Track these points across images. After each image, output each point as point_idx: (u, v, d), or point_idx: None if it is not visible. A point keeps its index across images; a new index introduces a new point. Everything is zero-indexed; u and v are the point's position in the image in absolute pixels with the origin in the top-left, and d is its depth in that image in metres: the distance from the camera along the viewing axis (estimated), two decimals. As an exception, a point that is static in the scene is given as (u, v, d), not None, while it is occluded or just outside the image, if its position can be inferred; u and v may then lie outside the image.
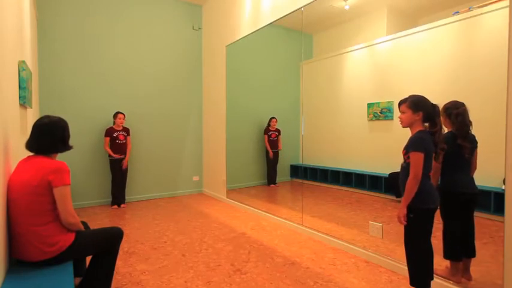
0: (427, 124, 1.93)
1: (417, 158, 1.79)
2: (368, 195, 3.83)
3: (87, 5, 4.51)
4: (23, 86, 2.16)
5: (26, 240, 1.60)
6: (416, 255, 1.90)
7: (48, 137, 1.74)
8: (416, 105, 1.87)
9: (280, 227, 3.66)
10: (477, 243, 2.14)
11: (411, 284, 1.91)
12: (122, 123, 4.49)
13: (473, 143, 2.07)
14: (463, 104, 2.07)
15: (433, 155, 1.89)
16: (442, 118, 2.07)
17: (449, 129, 2.11)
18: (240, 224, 3.75)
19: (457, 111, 2.04)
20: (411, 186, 1.82)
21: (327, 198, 4.32)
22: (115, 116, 4.47)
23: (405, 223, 1.88)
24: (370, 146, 3.76)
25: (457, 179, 2.11)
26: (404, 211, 1.87)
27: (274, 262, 2.66)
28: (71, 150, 1.88)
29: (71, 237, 1.71)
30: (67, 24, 4.38)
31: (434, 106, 1.88)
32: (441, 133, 1.89)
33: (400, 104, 1.99)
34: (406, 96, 1.98)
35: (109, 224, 3.74)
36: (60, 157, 1.92)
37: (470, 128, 2.05)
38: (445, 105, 2.12)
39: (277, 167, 5.00)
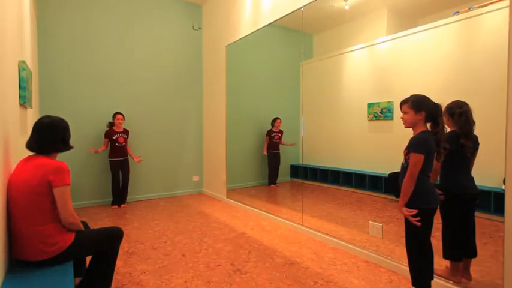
0: (429, 124, 1.92)
1: (417, 159, 1.79)
2: (368, 195, 3.83)
3: (87, 5, 4.51)
4: (23, 86, 2.16)
5: (26, 239, 1.60)
6: (419, 256, 1.90)
7: (49, 136, 1.75)
8: (419, 105, 1.86)
9: (280, 227, 3.66)
10: (477, 243, 2.14)
11: (413, 284, 1.91)
12: (120, 123, 4.48)
13: (475, 143, 2.06)
14: (466, 104, 2.06)
15: (435, 154, 1.88)
16: (444, 118, 2.07)
17: (452, 129, 2.11)
18: (240, 224, 3.75)
19: (460, 111, 2.03)
20: (407, 186, 1.82)
21: (327, 198, 4.32)
22: (114, 116, 4.46)
23: (411, 217, 1.86)
24: (370, 146, 3.76)
25: (458, 179, 2.11)
26: (403, 210, 1.87)
27: (274, 262, 2.66)
28: (72, 150, 1.88)
29: (70, 237, 1.71)
30: (67, 24, 4.38)
31: (437, 105, 1.87)
32: (443, 132, 1.88)
33: (401, 104, 1.97)
34: (406, 96, 1.97)
35: (109, 224, 3.74)
36: (60, 157, 1.92)
37: (474, 127, 2.05)
38: (448, 105, 2.11)
39: (279, 168, 5.01)
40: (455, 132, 2.06)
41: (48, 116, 1.81)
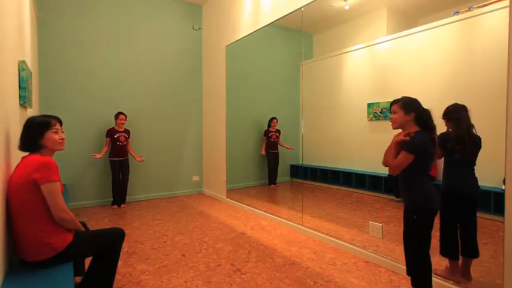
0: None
1: (405, 158, 1.78)
2: (368, 195, 3.83)
3: (87, 4, 4.51)
4: (23, 86, 2.16)
5: (24, 239, 1.60)
6: (418, 256, 1.89)
7: (22, 135, 1.73)
8: (409, 106, 1.86)
9: (280, 227, 3.66)
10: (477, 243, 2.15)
11: (413, 285, 1.90)
12: (123, 123, 4.49)
13: (476, 143, 2.06)
14: (463, 108, 2.07)
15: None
16: (444, 121, 2.09)
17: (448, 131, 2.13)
18: (240, 224, 3.75)
19: (456, 116, 2.06)
20: (388, 161, 1.83)
21: (327, 198, 4.31)
22: (116, 116, 4.47)
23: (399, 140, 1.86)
24: (370, 146, 3.76)
25: (458, 179, 2.12)
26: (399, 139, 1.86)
27: (274, 262, 2.66)
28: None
29: (68, 238, 1.70)
30: (67, 24, 4.38)
31: (426, 110, 1.87)
32: (435, 136, 1.88)
33: (391, 104, 1.96)
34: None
35: (109, 224, 3.74)
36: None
37: (473, 130, 2.05)
38: (447, 108, 2.14)
39: (277, 168, 5.01)
40: (446, 134, 2.09)
41: (34, 116, 1.80)
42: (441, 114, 2.14)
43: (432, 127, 1.85)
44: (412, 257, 1.92)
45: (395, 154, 1.85)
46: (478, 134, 2.06)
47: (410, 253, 1.92)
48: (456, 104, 2.12)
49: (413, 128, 1.86)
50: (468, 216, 2.14)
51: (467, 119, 2.05)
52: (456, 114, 2.06)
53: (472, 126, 2.05)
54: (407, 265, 1.93)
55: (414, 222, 1.87)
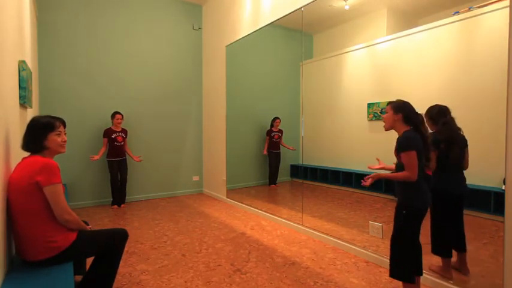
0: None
1: (410, 157, 1.79)
2: (368, 195, 3.83)
3: (87, 5, 4.52)
4: (23, 86, 2.16)
5: (26, 239, 1.60)
6: (402, 249, 1.88)
7: (25, 135, 1.73)
8: (398, 106, 1.93)
9: (280, 227, 3.66)
10: (477, 243, 2.16)
11: (391, 275, 1.89)
12: (119, 123, 4.48)
13: (462, 143, 2.12)
14: (447, 111, 2.13)
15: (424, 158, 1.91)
16: (428, 123, 2.13)
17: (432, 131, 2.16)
18: (240, 224, 3.75)
19: (444, 120, 2.12)
20: (402, 177, 1.82)
21: (327, 198, 4.31)
22: (112, 116, 4.46)
23: (367, 183, 1.93)
24: (370, 146, 3.76)
25: (445, 179, 2.17)
26: (376, 178, 1.91)
27: (274, 262, 2.66)
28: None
29: (71, 236, 1.70)
30: (67, 24, 4.38)
31: (418, 115, 1.91)
32: (427, 136, 1.91)
33: (387, 105, 2.03)
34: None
35: (109, 224, 3.74)
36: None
37: (460, 132, 2.11)
38: (430, 110, 2.19)
39: (279, 168, 5.00)
40: (435, 136, 2.12)
41: (37, 116, 1.80)
42: None
43: (423, 132, 1.89)
44: (395, 249, 1.91)
45: (395, 173, 1.88)
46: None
47: (394, 246, 1.90)
48: (439, 105, 2.18)
49: (403, 128, 1.90)
50: (458, 215, 2.20)
51: (454, 122, 2.12)
52: (443, 118, 2.13)
53: (459, 129, 2.11)
54: (391, 267, 1.92)
55: (403, 216, 1.87)
